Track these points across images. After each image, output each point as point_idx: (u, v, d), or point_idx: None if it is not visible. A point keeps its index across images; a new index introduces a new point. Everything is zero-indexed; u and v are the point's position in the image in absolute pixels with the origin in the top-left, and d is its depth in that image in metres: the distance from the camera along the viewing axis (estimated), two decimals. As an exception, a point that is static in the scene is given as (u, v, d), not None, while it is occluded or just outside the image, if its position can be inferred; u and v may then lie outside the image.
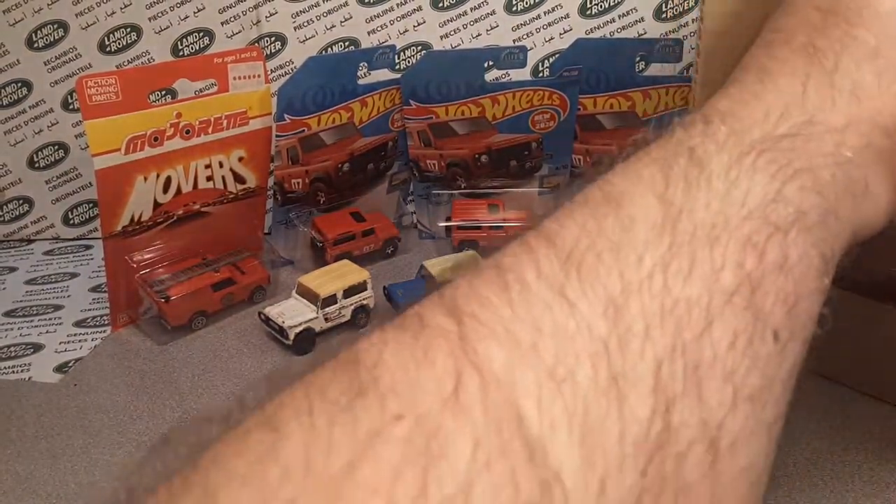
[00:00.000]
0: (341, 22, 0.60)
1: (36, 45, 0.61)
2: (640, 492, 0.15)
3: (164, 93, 0.57)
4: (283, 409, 0.15)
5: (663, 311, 0.16)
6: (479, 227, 0.58)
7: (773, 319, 0.17)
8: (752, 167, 0.19)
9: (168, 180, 0.50)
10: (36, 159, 0.64)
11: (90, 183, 0.62)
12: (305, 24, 0.60)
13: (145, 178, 0.49)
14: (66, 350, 0.48)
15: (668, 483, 0.15)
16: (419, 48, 0.61)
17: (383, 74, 0.58)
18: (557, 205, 0.19)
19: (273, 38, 0.61)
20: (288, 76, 0.60)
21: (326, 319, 0.48)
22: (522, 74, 0.59)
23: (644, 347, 0.16)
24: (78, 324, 0.52)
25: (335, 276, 0.49)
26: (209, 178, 0.52)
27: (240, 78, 0.51)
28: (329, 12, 0.60)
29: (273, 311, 0.48)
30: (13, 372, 0.46)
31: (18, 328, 0.51)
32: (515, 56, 0.57)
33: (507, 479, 0.14)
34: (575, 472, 0.14)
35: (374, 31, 0.61)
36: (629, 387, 0.15)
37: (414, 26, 0.60)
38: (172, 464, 0.15)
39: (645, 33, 0.59)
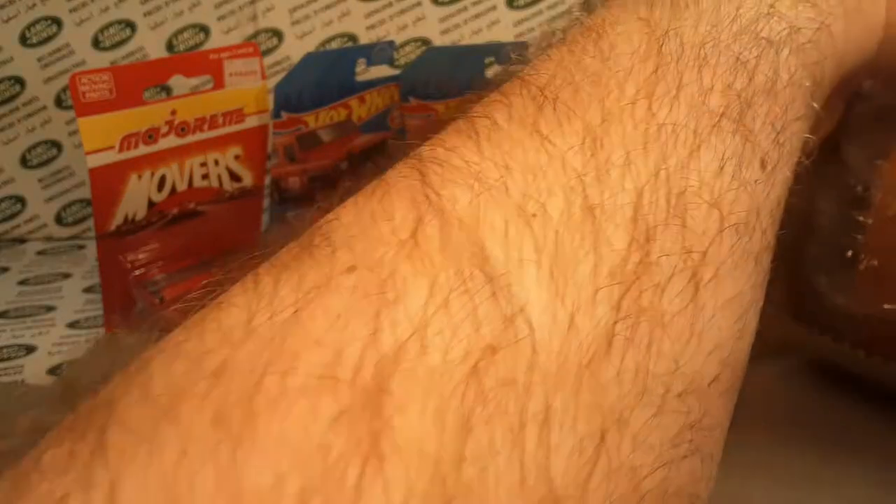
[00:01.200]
0: (339, 17, 0.59)
1: (29, 41, 0.60)
2: (613, 324, 0.14)
3: (158, 89, 0.56)
4: (234, 285, 0.14)
5: (647, 139, 0.15)
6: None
7: (761, 144, 0.17)
8: None
9: (162, 179, 0.49)
10: (28, 157, 0.63)
11: (84, 181, 0.61)
12: (303, 19, 0.59)
13: (139, 177, 0.48)
14: (59, 352, 0.48)
15: (645, 315, 0.14)
16: (419, 44, 0.60)
17: (382, 71, 0.57)
18: (538, 50, 0.18)
19: (270, 34, 0.60)
20: (285, 72, 0.59)
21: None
22: (524, 71, 0.59)
23: (624, 177, 0.15)
24: (71, 325, 0.51)
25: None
26: (205, 177, 0.51)
27: (236, 74, 0.50)
28: (327, 7, 0.59)
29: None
30: (6, 374, 0.45)
31: (11, 329, 0.50)
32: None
33: (465, 316, 0.13)
34: (542, 307, 0.14)
35: (372, 27, 0.60)
36: (606, 218, 0.15)
37: (414, 21, 0.59)
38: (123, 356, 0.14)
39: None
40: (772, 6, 0.18)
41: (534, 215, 0.14)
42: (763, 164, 0.17)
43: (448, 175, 0.15)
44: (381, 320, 0.13)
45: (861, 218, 0.27)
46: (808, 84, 0.18)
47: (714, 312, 0.15)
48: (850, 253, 0.28)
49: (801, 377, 0.34)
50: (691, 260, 0.15)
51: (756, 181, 0.17)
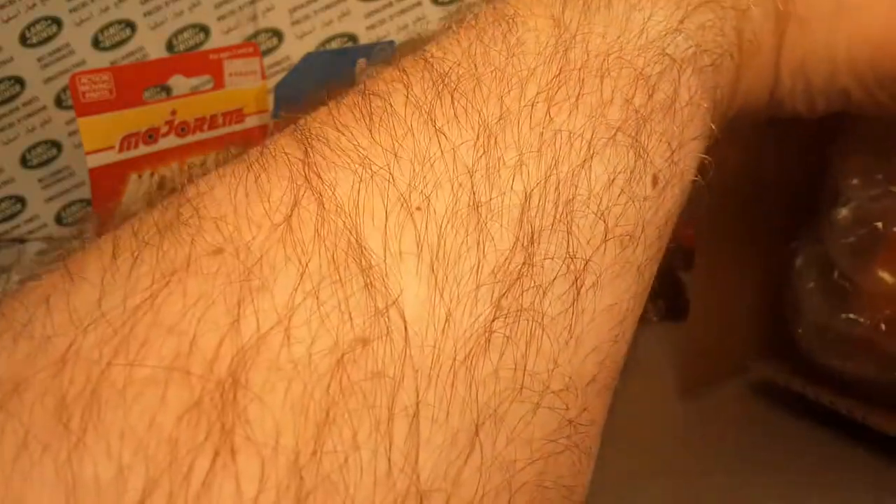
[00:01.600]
0: (339, 17, 0.59)
1: (29, 41, 0.60)
2: (491, 321, 0.14)
3: (158, 89, 0.56)
4: (87, 254, 0.13)
5: (542, 142, 0.15)
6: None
7: (654, 162, 0.17)
8: None
9: (162, 179, 0.49)
10: (28, 157, 0.63)
11: (84, 181, 0.61)
12: (303, 19, 0.59)
13: (139, 177, 0.48)
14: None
15: (525, 315, 0.14)
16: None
17: (382, 71, 0.57)
18: (447, 27, 0.18)
19: (270, 34, 0.60)
20: (285, 72, 0.59)
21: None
22: (524, 71, 0.59)
23: (514, 178, 0.15)
24: (71, 325, 0.51)
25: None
26: (205, 177, 0.51)
27: (236, 74, 0.50)
28: (327, 7, 0.59)
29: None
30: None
31: (10, 330, 0.50)
32: (517, 52, 0.56)
33: (335, 307, 0.12)
34: (420, 301, 0.13)
35: (372, 27, 0.60)
36: (492, 217, 0.14)
37: (414, 21, 0.59)
38: None
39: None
40: (681, 22, 0.18)
41: (418, 208, 0.14)
42: (655, 182, 0.17)
43: (332, 157, 0.14)
44: (243, 308, 0.12)
45: (847, 315, 0.28)
46: (706, 105, 0.18)
47: (594, 317, 0.15)
48: (839, 335, 0.29)
49: (760, 395, 0.34)
50: (574, 265, 0.15)
51: (645, 198, 0.17)
